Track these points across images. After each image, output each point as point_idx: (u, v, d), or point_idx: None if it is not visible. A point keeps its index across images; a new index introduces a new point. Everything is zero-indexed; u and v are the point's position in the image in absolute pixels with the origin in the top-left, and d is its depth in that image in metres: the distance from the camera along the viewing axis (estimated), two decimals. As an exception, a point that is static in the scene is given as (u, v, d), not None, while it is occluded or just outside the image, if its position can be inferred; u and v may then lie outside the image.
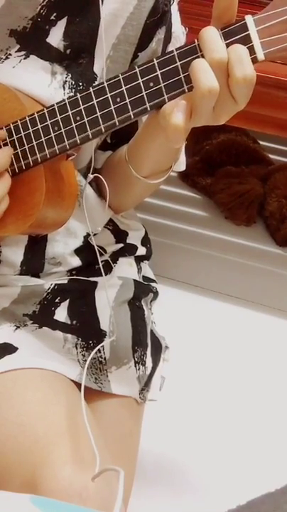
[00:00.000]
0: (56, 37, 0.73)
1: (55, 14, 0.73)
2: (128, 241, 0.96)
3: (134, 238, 0.98)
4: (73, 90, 0.74)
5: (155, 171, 0.75)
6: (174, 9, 0.80)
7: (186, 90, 0.57)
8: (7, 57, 0.73)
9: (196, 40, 0.56)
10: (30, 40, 0.73)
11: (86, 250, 0.86)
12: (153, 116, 0.65)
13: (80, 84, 0.74)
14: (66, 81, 0.74)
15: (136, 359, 0.86)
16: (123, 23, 0.75)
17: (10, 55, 0.73)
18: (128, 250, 0.96)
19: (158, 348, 0.94)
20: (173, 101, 0.57)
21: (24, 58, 0.73)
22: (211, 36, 0.54)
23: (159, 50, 0.79)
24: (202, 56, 0.55)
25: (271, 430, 1.01)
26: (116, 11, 0.74)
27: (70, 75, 0.74)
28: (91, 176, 0.78)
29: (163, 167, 0.76)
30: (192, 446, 0.96)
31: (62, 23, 0.73)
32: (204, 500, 0.90)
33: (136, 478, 0.83)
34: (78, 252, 0.86)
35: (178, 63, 0.57)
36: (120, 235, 0.94)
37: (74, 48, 0.74)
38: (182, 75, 0.57)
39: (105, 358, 0.83)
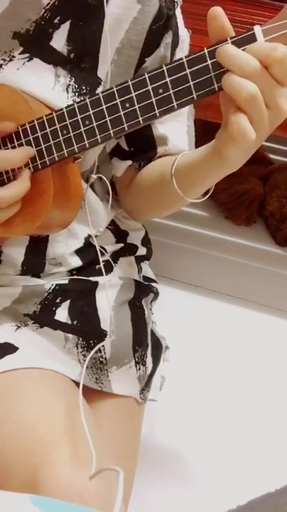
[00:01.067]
0: (59, 41, 0.73)
1: (58, 18, 0.73)
2: (128, 241, 0.96)
3: (134, 238, 0.98)
4: (76, 94, 0.74)
5: (202, 192, 0.74)
6: (178, 12, 0.80)
7: (195, 97, 0.57)
8: (11, 59, 0.73)
9: (205, 48, 0.56)
10: (34, 43, 0.73)
11: (86, 251, 0.86)
12: (213, 148, 0.64)
13: (83, 88, 0.74)
14: (69, 84, 0.74)
15: (137, 359, 0.86)
16: (126, 27, 0.75)
17: (14, 57, 0.73)
18: (129, 250, 0.96)
19: (158, 348, 0.94)
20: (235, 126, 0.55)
21: (28, 61, 0.73)
22: (232, 52, 0.53)
23: (168, 55, 0.79)
24: (211, 64, 0.55)
25: (270, 430, 1.01)
26: (119, 15, 0.74)
27: (74, 79, 0.74)
28: (94, 177, 0.78)
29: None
30: (192, 446, 0.96)
31: (65, 27, 0.73)
32: (205, 500, 0.90)
33: (137, 478, 0.84)
34: (78, 252, 0.86)
35: (187, 71, 0.57)
36: (120, 234, 0.95)
37: (78, 52, 0.74)
38: (191, 83, 0.57)
39: (106, 358, 0.83)
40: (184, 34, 0.81)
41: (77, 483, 0.62)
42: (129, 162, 0.84)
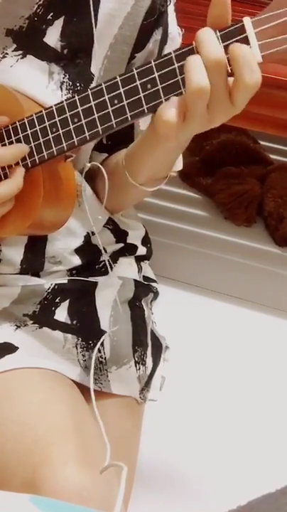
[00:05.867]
0: (53, 37, 0.73)
1: (51, 14, 0.73)
2: (128, 241, 0.96)
3: (134, 238, 0.98)
4: (71, 91, 0.74)
5: (152, 179, 0.75)
6: (170, 10, 0.80)
7: (183, 92, 0.57)
8: (4, 56, 0.73)
9: (193, 42, 0.56)
10: (27, 40, 0.73)
11: (86, 249, 0.86)
12: (151, 125, 0.65)
13: (78, 84, 0.74)
14: (63, 81, 0.74)
15: (137, 359, 0.86)
16: (120, 23, 0.75)
17: (7, 54, 0.73)
18: (129, 250, 0.96)
19: (158, 348, 0.94)
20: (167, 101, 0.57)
21: (21, 58, 0.73)
22: (207, 37, 0.54)
23: (155, 51, 0.79)
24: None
25: (271, 430, 1.01)
26: (113, 10, 0.74)
27: (68, 76, 0.74)
28: (88, 165, 0.77)
29: (160, 175, 0.76)
30: (192, 446, 0.96)
31: (59, 23, 0.73)
32: (205, 501, 0.89)
33: (136, 478, 0.83)
34: (78, 251, 0.86)
35: (176, 65, 0.57)
36: (120, 234, 0.94)
37: (72, 48, 0.74)
38: (179, 77, 0.57)
39: (105, 358, 0.83)
40: (174, 32, 0.81)
41: (77, 483, 0.62)
42: (105, 155, 0.85)
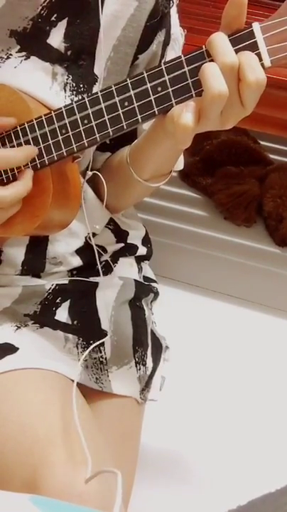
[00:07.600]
0: (57, 38, 0.73)
1: (55, 15, 0.73)
2: (128, 241, 0.96)
3: (135, 238, 0.98)
4: (74, 93, 0.74)
5: (156, 175, 0.76)
6: (173, 11, 0.80)
7: (194, 95, 0.57)
8: (8, 57, 0.72)
9: (204, 46, 0.56)
10: (31, 41, 0.73)
11: (87, 250, 0.86)
12: (158, 121, 0.66)
13: (81, 86, 0.74)
14: (67, 83, 0.74)
15: (137, 359, 0.86)
16: (123, 24, 0.75)
17: (11, 55, 0.72)
18: (129, 250, 0.96)
19: (158, 348, 0.94)
20: (182, 104, 0.58)
21: (25, 59, 0.73)
22: (222, 41, 0.55)
23: (159, 53, 0.79)
24: (211, 61, 0.55)
25: (271, 430, 1.01)
26: (116, 12, 0.74)
27: (71, 77, 0.74)
28: (89, 173, 0.78)
29: (164, 171, 0.76)
30: (192, 446, 0.96)
31: (62, 24, 0.73)
32: (205, 501, 0.90)
33: (137, 478, 0.84)
34: (79, 251, 0.86)
35: (186, 68, 0.57)
36: (121, 234, 0.94)
37: (75, 49, 0.74)
38: (190, 80, 0.57)
39: (106, 358, 0.83)
40: (177, 33, 0.81)
41: (77, 483, 0.62)
42: (108, 154, 0.85)
